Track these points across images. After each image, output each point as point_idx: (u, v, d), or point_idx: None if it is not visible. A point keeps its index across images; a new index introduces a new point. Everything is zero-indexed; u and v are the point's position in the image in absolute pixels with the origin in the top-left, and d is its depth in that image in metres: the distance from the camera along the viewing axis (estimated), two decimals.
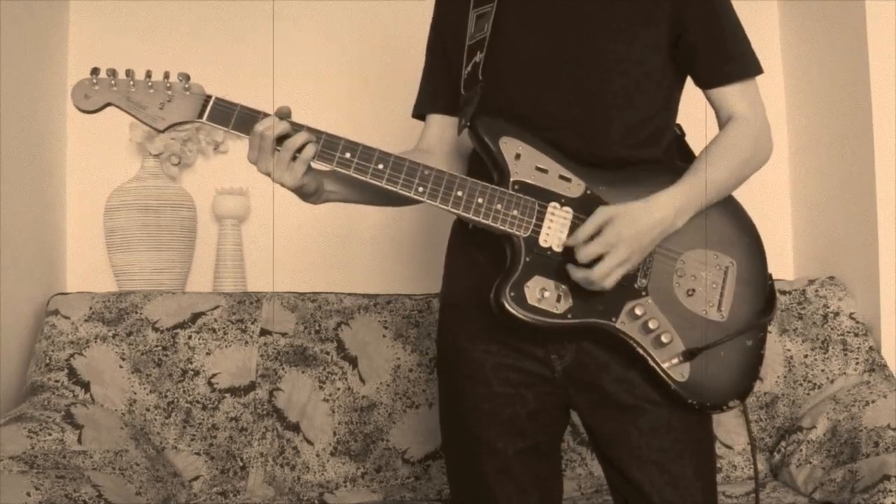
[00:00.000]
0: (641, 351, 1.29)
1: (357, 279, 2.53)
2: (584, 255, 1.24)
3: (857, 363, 2.25)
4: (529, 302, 1.25)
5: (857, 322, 2.30)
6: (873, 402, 2.08)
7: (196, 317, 2.23)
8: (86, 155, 2.51)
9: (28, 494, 1.55)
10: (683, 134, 1.46)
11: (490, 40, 1.36)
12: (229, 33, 2.56)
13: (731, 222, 1.37)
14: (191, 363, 2.19)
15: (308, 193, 1.35)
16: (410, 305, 2.30)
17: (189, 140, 2.47)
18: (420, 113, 1.53)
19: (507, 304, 1.25)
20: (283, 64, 2.55)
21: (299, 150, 1.27)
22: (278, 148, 1.28)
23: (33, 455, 1.74)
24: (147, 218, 2.36)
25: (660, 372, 1.29)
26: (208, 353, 2.20)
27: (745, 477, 2.21)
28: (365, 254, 2.60)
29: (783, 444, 2.22)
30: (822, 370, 2.27)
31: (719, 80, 1.38)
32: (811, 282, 2.40)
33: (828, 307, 2.33)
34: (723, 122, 1.40)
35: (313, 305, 2.29)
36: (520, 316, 1.25)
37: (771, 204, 2.66)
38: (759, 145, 1.39)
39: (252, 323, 2.24)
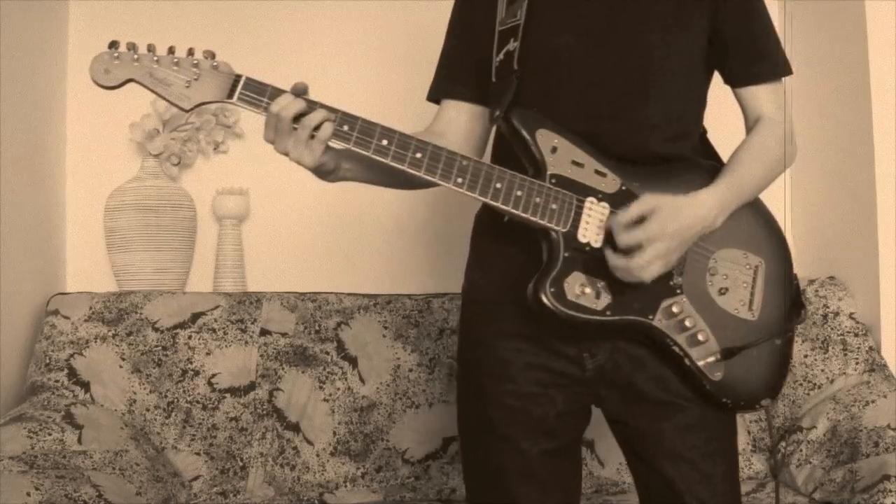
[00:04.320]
0: (677, 349, 1.28)
1: (357, 279, 2.52)
2: (625, 241, 1.21)
3: (857, 363, 2.25)
4: (569, 298, 1.23)
5: (857, 322, 2.30)
6: (873, 402, 2.08)
7: (196, 317, 2.23)
8: (86, 155, 2.50)
9: (28, 494, 1.55)
10: (704, 131, 1.44)
11: (524, 28, 1.33)
12: (232, 33, 2.56)
13: (758, 222, 1.37)
14: (191, 363, 2.19)
15: (327, 171, 1.31)
16: (410, 305, 2.30)
17: (189, 140, 2.47)
18: (437, 98, 1.48)
19: (546, 300, 1.22)
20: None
21: (316, 128, 1.23)
22: (295, 126, 1.23)
23: (33, 455, 1.74)
24: (147, 218, 2.36)
25: (695, 371, 1.28)
26: (208, 353, 2.20)
27: (744, 477, 2.21)
28: (365, 254, 2.60)
29: (783, 444, 2.22)
30: (822, 370, 2.27)
31: (750, 79, 1.38)
32: (811, 282, 2.40)
33: (828, 307, 2.33)
34: (750, 122, 1.40)
35: (313, 305, 2.29)
36: (560, 312, 1.23)
37: (771, 204, 2.64)
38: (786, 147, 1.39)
39: (252, 323, 2.24)
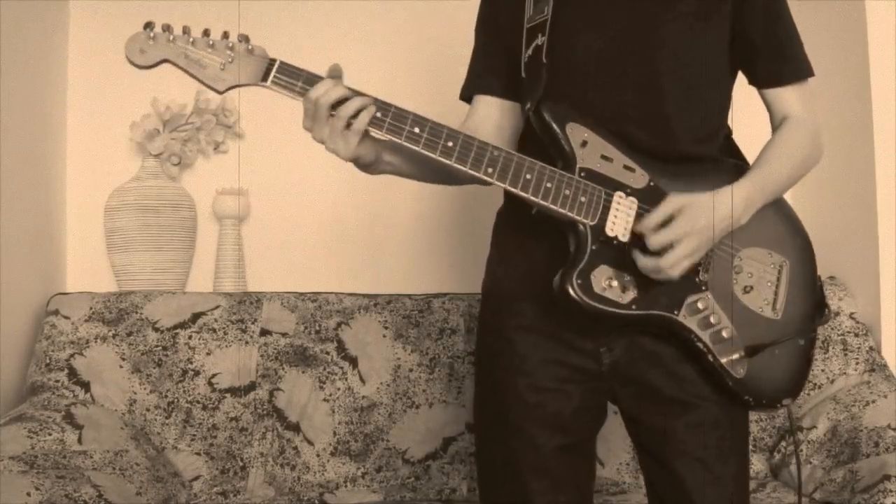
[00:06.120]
0: (701, 345, 1.28)
1: (357, 279, 2.53)
2: (656, 241, 1.22)
3: (857, 363, 2.25)
4: (595, 290, 1.23)
5: (857, 322, 2.30)
6: (873, 402, 2.08)
7: (196, 317, 2.23)
8: (86, 155, 2.51)
9: (28, 494, 1.55)
10: (730, 132, 1.45)
11: (551, 24, 1.33)
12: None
13: (783, 222, 1.38)
14: (191, 363, 2.19)
15: (365, 164, 1.30)
16: (410, 305, 2.30)
17: (189, 140, 2.47)
18: (468, 95, 1.48)
19: (572, 292, 1.22)
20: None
21: (353, 116, 1.21)
22: (333, 114, 1.22)
23: (33, 455, 1.74)
24: (147, 218, 2.36)
25: (718, 368, 1.28)
26: (208, 353, 2.20)
27: None
28: (365, 253, 2.60)
29: (783, 444, 2.22)
30: (823, 370, 2.27)
31: (777, 80, 1.38)
32: None
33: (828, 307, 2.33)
34: (777, 122, 1.40)
35: (313, 305, 2.29)
36: (585, 304, 1.23)
37: None
38: (813, 146, 1.40)
39: (252, 323, 2.24)
